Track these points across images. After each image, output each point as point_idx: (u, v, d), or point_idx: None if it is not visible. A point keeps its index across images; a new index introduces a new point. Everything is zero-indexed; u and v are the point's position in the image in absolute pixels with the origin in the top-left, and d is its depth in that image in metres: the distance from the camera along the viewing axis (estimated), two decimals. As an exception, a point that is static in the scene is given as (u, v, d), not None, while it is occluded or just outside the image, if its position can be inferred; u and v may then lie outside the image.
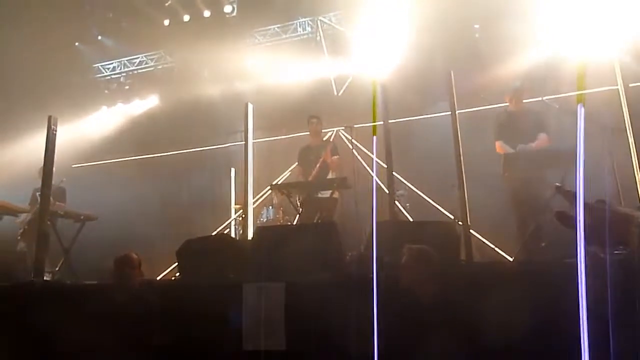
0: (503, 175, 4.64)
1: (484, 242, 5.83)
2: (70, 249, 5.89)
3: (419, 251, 3.08)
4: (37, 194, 6.60)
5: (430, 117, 7.87)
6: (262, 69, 9.26)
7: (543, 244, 4.28)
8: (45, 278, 5.06)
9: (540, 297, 3.03)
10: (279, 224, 6.98)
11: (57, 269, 6.01)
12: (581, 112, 2.42)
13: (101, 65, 10.75)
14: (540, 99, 5.28)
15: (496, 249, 5.68)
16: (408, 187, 7.52)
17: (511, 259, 4.98)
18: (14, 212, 5.86)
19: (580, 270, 2.21)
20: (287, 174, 8.09)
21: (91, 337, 3.58)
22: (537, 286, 3.09)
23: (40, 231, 5.08)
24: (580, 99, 2.47)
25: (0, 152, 8.37)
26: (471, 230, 4.18)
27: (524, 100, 5.31)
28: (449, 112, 4.51)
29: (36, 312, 4.09)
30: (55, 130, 5.23)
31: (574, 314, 2.26)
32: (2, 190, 6.79)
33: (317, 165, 6.11)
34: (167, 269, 6.83)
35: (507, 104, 5.54)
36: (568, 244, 4.01)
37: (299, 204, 5.90)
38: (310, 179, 6.09)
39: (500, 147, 5.16)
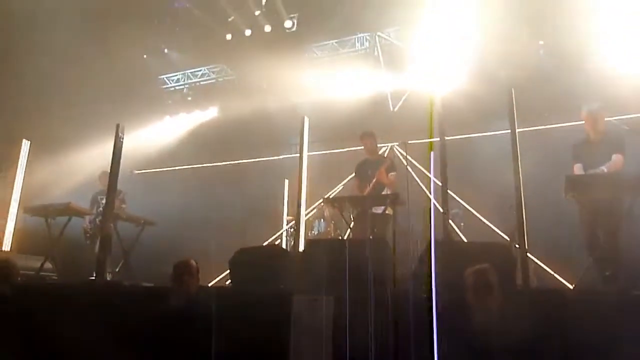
0: (565, 197, 4.44)
1: (542, 267, 5.59)
2: (129, 252, 6.15)
3: (484, 272, 2.97)
4: (99, 197, 6.97)
5: (490, 135, 7.69)
6: (319, 83, 9.36)
7: (607, 273, 4.05)
8: (106, 278, 5.30)
9: (600, 329, 2.88)
10: (329, 237, 6.99)
11: (117, 269, 6.28)
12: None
13: (166, 77, 11.24)
14: (610, 119, 5.04)
15: (555, 275, 5.43)
16: (463, 206, 7.36)
17: (571, 287, 4.75)
18: (80, 214, 6.18)
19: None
20: (339, 187, 8.11)
21: (147, 337, 3.71)
22: (597, 318, 2.93)
23: (104, 233, 5.35)
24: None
25: (70, 160, 8.87)
26: (528, 254, 4.03)
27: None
28: (509, 131, 4.39)
29: (96, 311, 4.28)
30: (122, 138, 5.50)
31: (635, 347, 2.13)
32: (70, 194, 7.18)
33: (372, 182, 6.04)
34: (218, 276, 6.97)
35: (570, 123, 5.32)
36: (635, 274, 3.81)
37: (351, 218, 5.88)
38: (365, 193, 6.05)
39: (576, 169, 4.92)
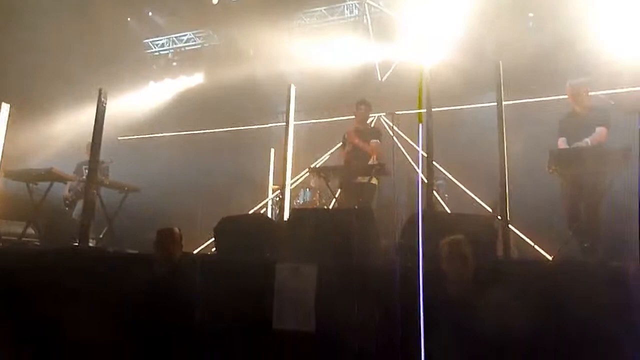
0: (548, 170, 4.49)
1: (523, 239, 5.68)
2: (113, 219, 6.11)
3: (457, 243, 3.02)
4: (84, 167, 6.87)
5: (476, 107, 7.69)
6: (307, 51, 9.22)
7: (586, 245, 4.13)
8: (89, 244, 5.28)
9: (577, 299, 2.95)
10: (315, 206, 7.01)
11: (100, 236, 6.26)
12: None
13: (151, 42, 10.98)
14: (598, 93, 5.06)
15: (535, 246, 5.53)
16: (448, 177, 7.42)
17: (550, 258, 4.85)
18: (64, 179, 6.09)
19: None
20: (326, 157, 8.09)
21: (131, 304, 3.73)
22: (575, 289, 3.00)
23: (87, 199, 5.30)
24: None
25: (52, 125, 8.70)
26: (510, 226, 4.09)
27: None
28: (495, 103, 4.39)
29: (79, 277, 4.27)
30: (105, 103, 5.40)
31: (613, 318, 2.19)
32: (52, 160, 7.06)
33: (347, 148, 6.02)
34: (203, 243, 6.99)
35: (557, 97, 5.33)
36: (614, 246, 3.89)
37: (338, 188, 5.89)
38: (344, 160, 6.02)
39: (561, 143, 4.96)
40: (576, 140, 4.80)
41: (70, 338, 3.92)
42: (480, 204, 6.67)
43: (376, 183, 5.81)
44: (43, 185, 5.94)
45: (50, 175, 5.78)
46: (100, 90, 5.40)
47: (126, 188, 6.43)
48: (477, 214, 5.36)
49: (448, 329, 2.77)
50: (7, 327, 4.14)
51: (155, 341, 3.53)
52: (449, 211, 6.67)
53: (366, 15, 9.27)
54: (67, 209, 6.72)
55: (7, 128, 6.16)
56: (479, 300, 2.84)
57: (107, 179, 6.41)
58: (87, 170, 6.58)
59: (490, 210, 5.71)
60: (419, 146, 5.59)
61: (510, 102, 5.69)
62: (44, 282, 4.30)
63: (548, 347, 2.87)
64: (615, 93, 6.40)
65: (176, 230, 3.94)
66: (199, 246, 7.03)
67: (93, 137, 5.34)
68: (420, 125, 5.16)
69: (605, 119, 4.79)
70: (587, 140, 4.68)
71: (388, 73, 9.07)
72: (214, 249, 5.07)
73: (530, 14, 8.04)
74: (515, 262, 3.95)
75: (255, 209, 7.92)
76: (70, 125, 8.39)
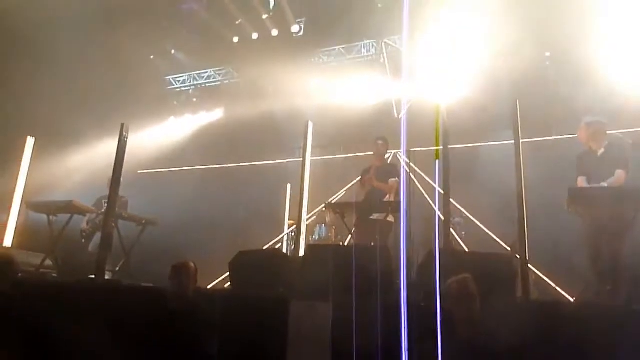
0: (567, 209, 4.42)
1: (543, 279, 5.55)
2: (130, 252, 6.15)
3: (464, 281, 2.96)
4: (103, 201, 6.98)
5: (494, 145, 7.68)
6: (325, 88, 9.39)
7: (608, 288, 4.02)
8: (106, 277, 5.30)
9: (600, 343, 2.86)
10: (330, 243, 6.98)
11: (117, 269, 6.29)
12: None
13: (172, 78, 11.29)
14: (614, 132, 5.03)
15: (556, 287, 5.39)
16: (465, 215, 7.34)
17: (572, 300, 4.72)
18: (83, 212, 6.18)
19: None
20: (342, 193, 8.10)
21: (144, 338, 3.70)
22: (596, 332, 2.91)
23: (105, 232, 5.36)
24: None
25: (75, 158, 8.90)
26: (530, 265, 4.01)
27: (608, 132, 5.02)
28: (513, 141, 4.39)
29: (95, 309, 4.27)
30: (127, 138, 5.52)
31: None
32: (73, 193, 7.19)
33: (365, 186, 6.03)
34: (218, 278, 6.95)
35: (574, 135, 5.29)
36: (636, 289, 3.77)
37: (354, 224, 5.86)
38: (361, 197, 6.02)
39: (581, 182, 4.91)
40: (596, 180, 4.74)
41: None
42: (499, 242, 6.56)
43: (392, 220, 5.79)
44: (63, 217, 6.04)
45: (70, 208, 5.87)
46: (122, 125, 5.53)
47: (144, 221, 6.49)
48: (495, 252, 5.27)
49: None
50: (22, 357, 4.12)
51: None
52: (466, 249, 6.57)
53: (383, 53, 9.43)
54: (83, 241, 6.78)
55: (30, 161, 6.35)
56: (492, 342, 2.77)
57: (126, 213, 6.49)
58: (106, 204, 6.69)
59: (509, 249, 5.61)
60: (435, 183, 5.60)
61: (527, 140, 5.69)
62: (59, 313, 4.31)
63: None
64: (634, 132, 6.36)
65: (191, 264, 3.93)
66: (215, 280, 7.00)
67: (114, 170, 5.44)
68: (437, 161, 5.17)
69: (624, 161, 4.75)
70: (605, 184, 4.64)
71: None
72: (229, 284, 5.06)
73: (547, 53, 8.09)
74: (535, 303, 3.84)
75: (271, 244, 7.90)
76: (92, 159, 8.57)
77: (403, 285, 2.87)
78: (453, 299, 2.94)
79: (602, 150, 4.87)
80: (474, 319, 2.88)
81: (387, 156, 6.68)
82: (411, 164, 6.54)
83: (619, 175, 4.67)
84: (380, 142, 6.31)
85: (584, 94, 6.74)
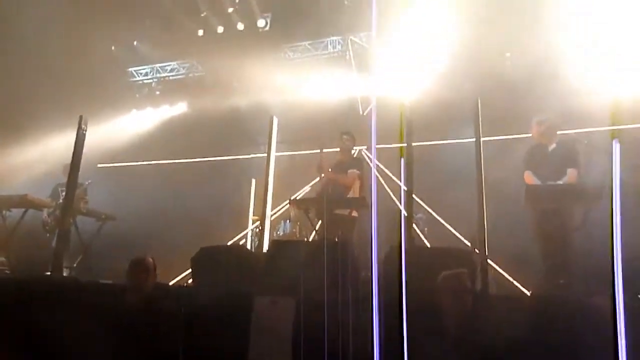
0: (525, 206, 4.56)
1: (500, 273, 5.70)
2: (88, 247, 5.99)
3: (459, 276, 3.00)
4: (60, 189, 6.76)
5: (455, 143, 7.82)
6: (291, 83, 9.35)
7: (561, 281, 4.17)
8: (63, 274, 5.15)
9: (555, 335, 2.96)
10: (294, 238, 6.97)
11: (74, 265, 6.12)
12: (616, 148, 2.39)
13: (135, 70, 11.00)
14: (568, 132, 5.22)
15: (514, 281, 5.55)
16: (427, 210, 7.46)
17: (528, 293, 4.87)
18: (38, 206, 5.97)
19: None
20: (307, 189, 8.09)
21: (100, 336, 3.61)
22: (553, 324, 3.02)
23: (62, 227, 5.20)
24: (615, 135, 2.44)
25: (30, 149, 8.58)
26: (488, 260, 4.11)
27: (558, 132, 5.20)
28: (474, 139, 4.49)
29: (50, 307, 4.14)
30: (85, 130, 5.37)
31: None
32: (28, 186, 6.93)
33: (323, 179, 6.04)
34: (181, 274, 6.85)
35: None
36: (587, 282, 3.93)
37: (316, 220, 5.88)
38: (319, 190, 6.05)
39: (528, 177, 5.06)
40: (544, 175, 4.90)
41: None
42: (459, 238, 6.70)
43: (356, 215, 5.83)
44: (17, 211, 5.82)
45: (25, 202, 5.68)
46: (80, 117, 5.37)
47: (103, 216, 6.34)
48: (455, 247, 5.39)
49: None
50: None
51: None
52: (428, 245, 6.69)
53: (349, 50, 9.47)
54: (48, 235, 6.55)
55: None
56: (464, 334, 2.83)
57: (85, 205, 6.32)
58: (63, 193, 6.48)
59: (469, 244, 5.75)
60: (400, 180, 5.66)
61: (487, 139, 5.82)
62: (13, 311, 4.17)
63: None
64: (590, 132, 6.60)
65: (149, 259, 3.86)
66: (177, 276, 6.89)
67: (72, 164, 5.29)
68: (402, 159, 5.23)
69: (575, 160, 4.92)
70: (560, 183, 4.81)
71: (370, 107, 9.22)
72: (191, 280, 4.99)
73: (507, 54, 8.29)
74: (493, 297, 3.95)
75: (235, 239, 7.83)
76: (50, 151, 8.29)
77: (375, 279, 2.88)
78: (446, 293, 2.96)
79: (553, 146, 5.05)
80: (464, 313, 2.92)
81: (352, 152, 6.72)
82: (375, 160, 6.57)
83: (571, 173, 4.85)
84: (345, 136, 6.34)
85: (542, 94, 6.96)
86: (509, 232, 5.37)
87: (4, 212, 5.79)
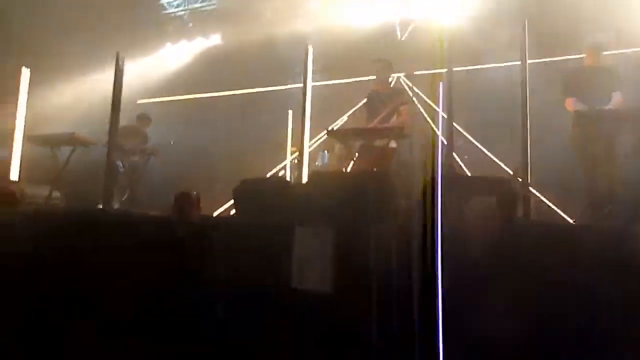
0: (571, 133, 4.39)
1: (544, 202, 5.60)
2: (136, 181, 6.23)
3: (488, 205, 2.97)
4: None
5: (499, 67, 7.48)
6: (325, 10, 9.01)
7: (607, 209, 4.07)
8: (114, 207, 5.41)
9: (600, 264, 2.92)
10: (333, 169, 7.01)
11: (123, 199, 6.40)
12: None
13: (166, 2, 10.82)
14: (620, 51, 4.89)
15: (557, 210, 5.45)
16: (467, 138, 7.31)
17: (572, 222, 4.79)
18: (85, 144, 6.15)
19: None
20: (345, 118, 8.02)
21: (151, 267, 3.83)
22: (597, 253, 2.97)
23: (109, 163, 5.38)
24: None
25: (71, 88, 8.75)
26: (531, 188, 4.03)
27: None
28: (519, 62, 4.28)
29: (104, 238, 4.38)
30: (123, 67, 5.40)
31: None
32: (74, 125, 7.12)
33: (383, 113, 5.86)
34: (224, 204, 7.06)
35: (581, 56, 5.16)
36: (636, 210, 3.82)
37: (356, 151, 5.84)
38: (373, 124, 5.90)
39: (572, 104, 4.82)
40: (591, 100, 4.67)
41: (94, 297, 4.06)
42: (501, 166, 6.57)
43: (395, 146, 5.75)
44: (66, 148, 6.04)
45: (72, 140, 5.87)
46: (117, 55, 5.40)
47: (148, 151, 6.52)
48: (496, 176, 5.30)
49: (470, 290, 2.77)
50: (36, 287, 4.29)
51: (177, 304, 3.64)
52: (468, 173, 6.60)
53: (386, -29, 8.97)
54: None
55: (28, 93, 6.26)
56: (503, 262, 2.84)
57: (128, 144, 6.53)
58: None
59: (512, 172, 5.63)
60: (439, 107, 5.51)
61: (533, 61, 5.53)
62: (69, 243, 4.43)
63: (572, 310, 2.86)
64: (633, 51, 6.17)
65: (193, 193, 3.98)
66: (219, 207, 7.12)
67: (113, 102, 5.39)
68: (440, 85, 5.07)
69: (619, 83, 4.67)
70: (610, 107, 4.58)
71: (408, 31, 8.85)
72: (233, 211, 5.15)
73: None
74: (536, 225, 3.91)
75: (274, 171, 7.94)
76: (90, 88, 8.44)
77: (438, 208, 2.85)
78: (476, 220, 2.95)
79: (596, 69, 4.78)
80: (494, 241, 2.92)
81: (390, 80, 6.50)
82: (414, 87, 6.40)
83: (617, 99, 4.62)
84: (379, 64, 6.03)
85: (588, 13, 6.46)
86: (553, 160, 5.21)
87: (54, 149, 6.02)
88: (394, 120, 5.82)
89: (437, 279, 2.72)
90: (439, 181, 3.28)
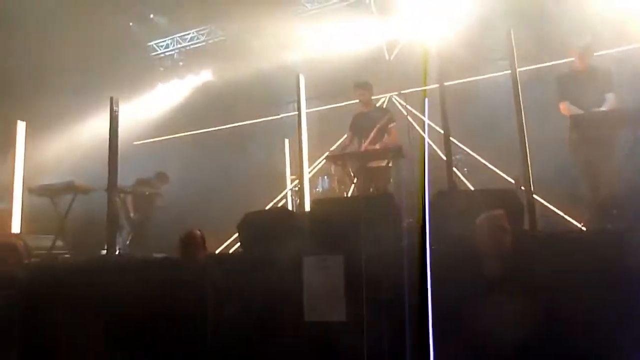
0: (570, 138, 4.38)
1: (549, 209, 5.56)
2: (139, 224, 6.20)
3: (497, 218, 2.92)
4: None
5: (489, 78, 7.54)
6: (311, 37, 9.13)
7: (614, 212, 4.03)
8: (117, 252, 5.37)
9: (614, 268, 2.89)
10: (334, 194, 6.99)
11: (127, 243, 6.35)
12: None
13: (155, 44, 10.97)
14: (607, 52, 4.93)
15: (564, 215, 5.41)
16: (466, 151, 7.31)
17: (582, 227, 4.75)
18: (84, 191, 6.11)
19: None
20: (339, 143, 8.02)
21: (162, 309, 3.78)
22: (611, 257, 2.93)
23: (110, 208, 5.35)
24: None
25: (66, 136, 8.78)
26: (535, 196, 4.01)
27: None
28: (509, 71, 4.30)
29: (109, 284, 4.33)
30: (117, 111, 5.43)
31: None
32: (71, 171, 7.11)
33: (372, 134, 5.95)
34: (227, 240, 7.02)
35: (571, 59, 5.19)
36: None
37: (352, 173, 5.85)
38: (364, 146, 5.96)
39: (565, 108, 4.83)
40: (585, 103, 4.68)
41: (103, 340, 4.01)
42: (502, 176, 6.55)
43: (391, 165, 5.76)
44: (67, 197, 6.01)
45: (71, 188, 5.85)
46: (111, 99, 5.43)
47: (147, 193, 6.51)
48: (499, 188, 5.28)
49: (484, 309, 2.71)
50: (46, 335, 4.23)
51: (188, 344, 3.58)
52: (470, 187, 6.58)
53: (368, -6, 9.10)
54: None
55: (25, 145, 6.27)
56: (518, 276, 2.79)
57: (131, 188, 6.54)
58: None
59: (513, 182, 5.60)
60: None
61: (525, 69, 5.58)
62: (75, 291, 4.39)
63: (598, 318, 2.81)
64: (621, 50, 6.23)
65: (197, 232, 3.95)
66: (223, 244, 7.07)
67: (110, 145, 5.39)
68: (426, 100, 5.07)
69: (611, 84, 4.70)
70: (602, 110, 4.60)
71: (395, 52, 8.94)
72: (237, 245, 5.10)
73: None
74: (547, 235, 3.87)
75: (275, 201, 7.92)
76: (86, 135, 8.48)
77: (427, 229, 2.83)
78: (485, 236, 2.91)
79: (587, 71, 4.80)
80: (505, 255, 2.87)
81: (374, 99, 6.56)
82: (408, 106, 6.44)
83: (610, 100, 4.64)
84: (359, 90, 6.12)
85: (571, 16, 6.53)
86: (553, 167, 5.20)
87: (54, 199, 6.00)
88: (385, 139, 5.89)
89: (428, 294, 2.65)
90: (426, 198, 3.25)
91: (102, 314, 4.21)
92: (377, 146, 5.85)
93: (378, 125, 5.92)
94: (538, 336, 2.74)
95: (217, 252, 6.03)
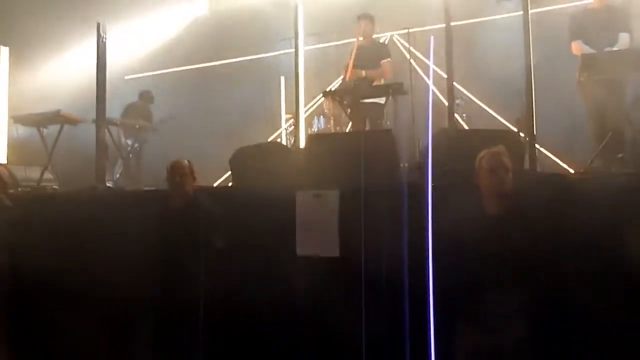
0: (579, 79, 4.22)
1: (549, 157, 5.45)
2: (127, 157, 6.07)
3: (498, 154, 2.80)
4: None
5: (494, 19, 7.23)
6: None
7: (620, 155, 3.94)
8: (107, 184, 5.26)
9: (609, 211, 2.83)
10: (330, 132, 6.83)
11: (117, 176, 6.25)
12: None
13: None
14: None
15: (563, 164, 5.30)
16: (466, 96, 7.10)
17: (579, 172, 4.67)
18: (72, 121, 5.92)
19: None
20: (339, 80, 7.80)
21: (151, 241, 3.72)
22: (609, 200, 2.87)
23: (98, 140, 5.20)
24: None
25: (52, 65, 8.47)
26: (536, 145, 3.89)
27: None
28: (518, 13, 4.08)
29: (98, 217, 4.26)
30: (105, 38, 5.16)
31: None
32: (62, 101, 6.87)
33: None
34: (220, 177, 6.92)
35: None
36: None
37: (348, 110, 5.70)
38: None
39: (578, 47, 4.64)
40: (599, 43, 4.50)
41: (92, 274, 3.99)
42: (502, 122, 6.40)
43: (382, 102, 5.59)
44: (54, 128, 5.83)
45: (58, 118, 5.66)
46: (98, 25, 5.15)
47: (137, 127, 6.35)
48: (500, 129, 5.17)
49: (486, 245, 2.65)
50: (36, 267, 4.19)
51: (176, 276, 3.54)
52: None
53: None
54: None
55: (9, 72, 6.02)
56: (519, 214, 2.72)
57: (118, 120, 6.38)
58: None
59: (515, 129, 5.47)
60: (433, 63, 5.30)
61: (535, 10, 5.31)
62: (65, 223, 4.33)
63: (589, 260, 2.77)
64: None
65: (185, 162, 3.82)
66: (216, 181, 6.98)
67: (97, 75, 5.17)
68: (431, 37, 4.84)
69: (628, 24, 4.51)
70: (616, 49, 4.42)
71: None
72: (230, 183, 5.01)
73: None
74: (545, 175, 3.79)
75: (270, 139, 7.75)
76: (73, 64, 8.18)
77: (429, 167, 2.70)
78: (485, 173, 2.79)
79: (603, 10, 4.59)
80: (506, 193, 2.77)
81: (377, 36, 6.29)
82: (411, 48, 6.21)
83: (624, 40, 4.48)
84: (362, 21, 5.84)
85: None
86: (558, 114, 5.07)
87: (41, 129, 5.82)
88: (378, 72, 5.74)
89: (428, 243, 2.56)
90: (429, 139, 3.11)
91: (90, 248, 4.17)
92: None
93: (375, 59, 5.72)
94: (536, 277, 2.69)
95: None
